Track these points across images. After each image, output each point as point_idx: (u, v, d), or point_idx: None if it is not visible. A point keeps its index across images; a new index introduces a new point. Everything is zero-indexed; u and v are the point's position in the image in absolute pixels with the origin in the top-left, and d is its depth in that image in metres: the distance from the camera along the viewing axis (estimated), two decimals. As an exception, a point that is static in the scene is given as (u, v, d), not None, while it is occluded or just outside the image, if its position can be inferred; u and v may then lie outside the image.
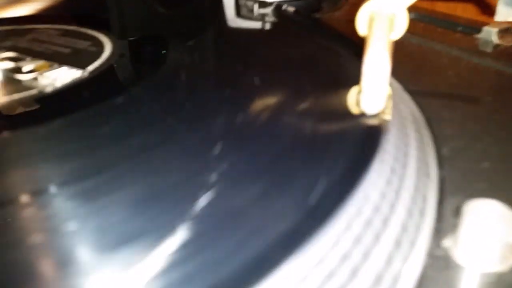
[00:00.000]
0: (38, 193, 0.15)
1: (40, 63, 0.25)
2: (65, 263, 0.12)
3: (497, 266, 0.14)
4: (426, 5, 0.64)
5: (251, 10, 0.43)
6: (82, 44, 0.28)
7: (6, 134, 0.18)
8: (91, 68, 0.24)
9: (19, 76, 0.24)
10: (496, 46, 0.33)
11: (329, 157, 0.16)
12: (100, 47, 0.27)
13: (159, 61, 0.26)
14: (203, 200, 0.13)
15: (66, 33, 0.31)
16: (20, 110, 0.21)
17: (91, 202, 0.14)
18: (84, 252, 0.12)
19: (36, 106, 0.21)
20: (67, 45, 0.28)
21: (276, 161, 0.16)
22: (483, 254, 0.14)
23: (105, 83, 0.24)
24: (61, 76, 0.23)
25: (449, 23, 0.40)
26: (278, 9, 0.42)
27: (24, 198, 0.15)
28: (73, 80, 0.23)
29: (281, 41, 0.32)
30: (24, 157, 0.17)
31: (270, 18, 0.41)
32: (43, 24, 0.33)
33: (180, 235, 0.12)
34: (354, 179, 0.14)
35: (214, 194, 0.14)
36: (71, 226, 0.13)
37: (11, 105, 0.21)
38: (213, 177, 0.15)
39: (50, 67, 0.24)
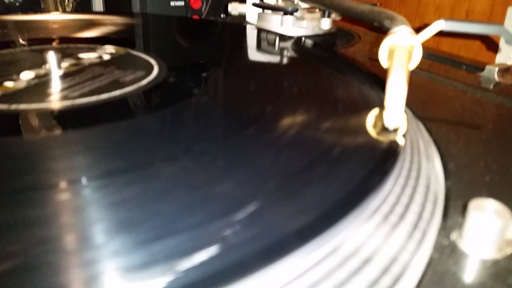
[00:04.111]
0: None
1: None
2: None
3: (495, 255, 0.17)
4: (431, 44, 0.68)
5: (273, 44, 0.46)
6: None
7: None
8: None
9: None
10: (497, 84, 0.37)
11: (360, 163, 0.19)
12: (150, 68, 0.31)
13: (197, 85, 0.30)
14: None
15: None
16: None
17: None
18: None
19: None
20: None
21: (317, 165, 0.19)
22: (484, 244, 0.17)
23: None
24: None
25: (454, 62, 0.43)
26: (297, 43, 0.45)
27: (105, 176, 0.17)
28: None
29: (302, 71, 0.35)
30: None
31: (290, 52, 0.44)
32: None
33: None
34: (378, 182, 0.17)
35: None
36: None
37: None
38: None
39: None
